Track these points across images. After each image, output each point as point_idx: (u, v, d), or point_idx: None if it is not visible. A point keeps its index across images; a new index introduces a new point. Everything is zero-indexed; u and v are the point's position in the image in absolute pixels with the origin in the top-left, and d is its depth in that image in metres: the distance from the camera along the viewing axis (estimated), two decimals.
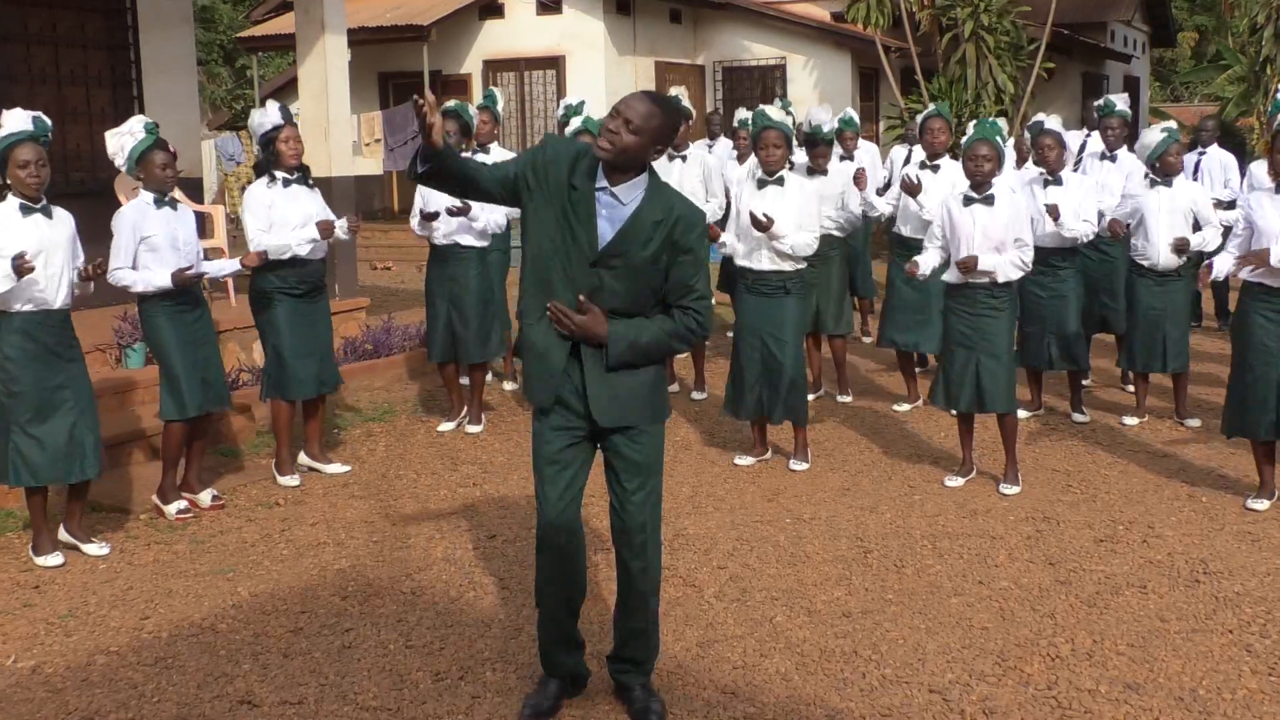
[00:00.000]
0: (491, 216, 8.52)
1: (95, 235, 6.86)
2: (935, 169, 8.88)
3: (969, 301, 7.18)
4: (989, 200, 7.10)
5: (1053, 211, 8.18)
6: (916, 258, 7.35)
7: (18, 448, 6.14)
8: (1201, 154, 12.39)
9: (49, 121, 6.24)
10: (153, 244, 6.71)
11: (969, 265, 7.00)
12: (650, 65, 21.52)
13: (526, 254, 4.37)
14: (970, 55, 18.56)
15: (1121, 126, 9.64)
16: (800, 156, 9.29)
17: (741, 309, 7.71)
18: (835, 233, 9.17)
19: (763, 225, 7.30)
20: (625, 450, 4.45)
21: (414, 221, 8.66)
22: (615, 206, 4.30)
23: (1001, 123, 7.30)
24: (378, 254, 18.65)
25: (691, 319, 4.42)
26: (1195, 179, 12.10)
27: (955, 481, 7.43)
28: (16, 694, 4.87)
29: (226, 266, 7.44)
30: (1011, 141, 11.16)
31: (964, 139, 7.32)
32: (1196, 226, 8.38)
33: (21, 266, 5.84)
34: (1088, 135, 11.55)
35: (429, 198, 8.56)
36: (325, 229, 7.45)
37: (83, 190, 10.25)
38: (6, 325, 6.10)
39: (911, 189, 8.65)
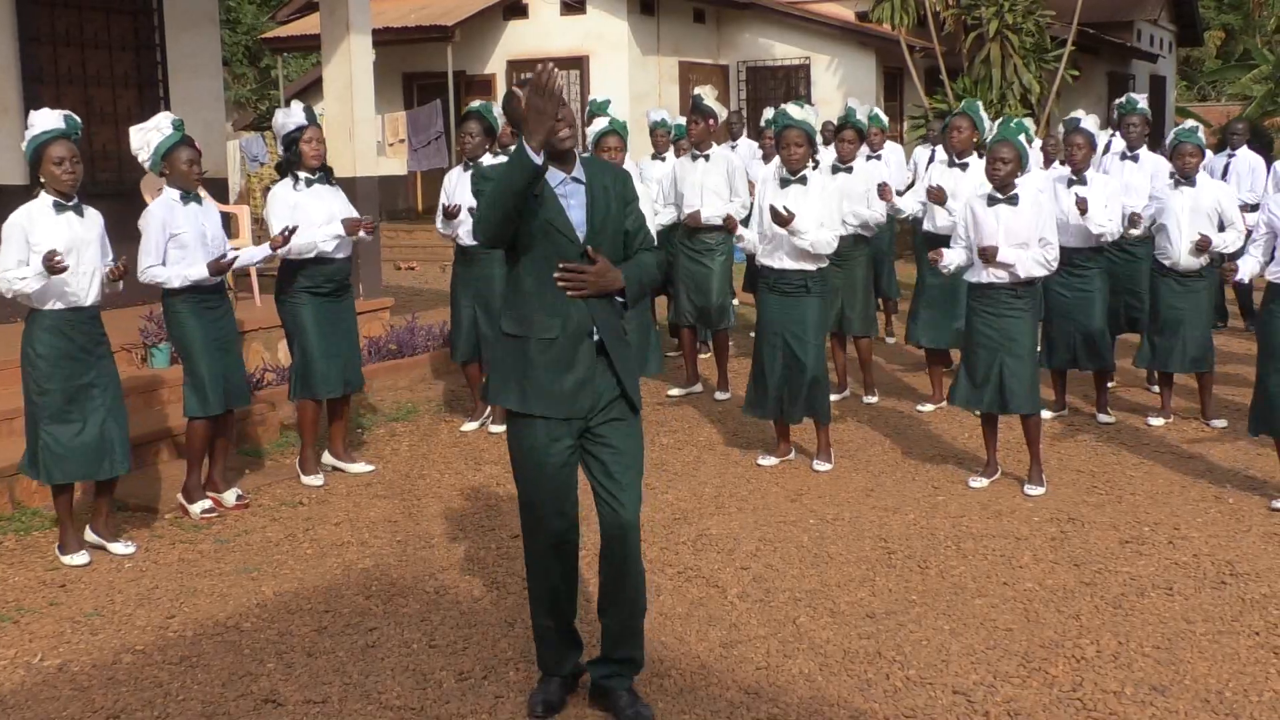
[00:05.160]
0: None
1: (122, 235, 6.91)
2: (964, 167, 8.86)
3: (992, 302, 7.15)
4: (1013, 200, 7.08)
5: (1081, 205, 8.15)
6: (942, 248, 7.37)
7: (47, 445, 6.18)
8: (1231, 156, 12.33)
9: (78, 119, 6.28)
10: (182, 240, 6.74)
11: (989, 255, 6.98)
12: (674, 65, 21.52)
13: (525, 277, 4.36)
14: (995, 55, 18.48)
15: (1143, 124, 9.62)
16: (825, 156, 9.27)
17: (763, 308, 7.69)
18: (861, 232, 9.17)
19: (783, 219, 7.30)
20: (619, 440, 4.44)
21: (438, 221, 8.69)
22: (577, 190, 4.38)
23: (1028, 123, 7.27)
24: (402, 254, 18.71)
25: (658, 253, 4.65)
26: (1225, 180, 12.06)
27: (979, 482, 7.41)
28: (43, 692, 4.90)
29: (256, 254, 7.40)
30: (1038, 144, 11.10)
31: (988, 138, 7.31)
32: (1221, 227, 8.36)
33: (53, 265, 5.88)
34: (1112, 135, 11.50)
35: (452, 193, 8.59)
36: (352, 226, 7.46)
37: (110, 191, 10.30)
38: (38, 323, 6.15)
39: (939, 198, 8.64)
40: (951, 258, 7.28)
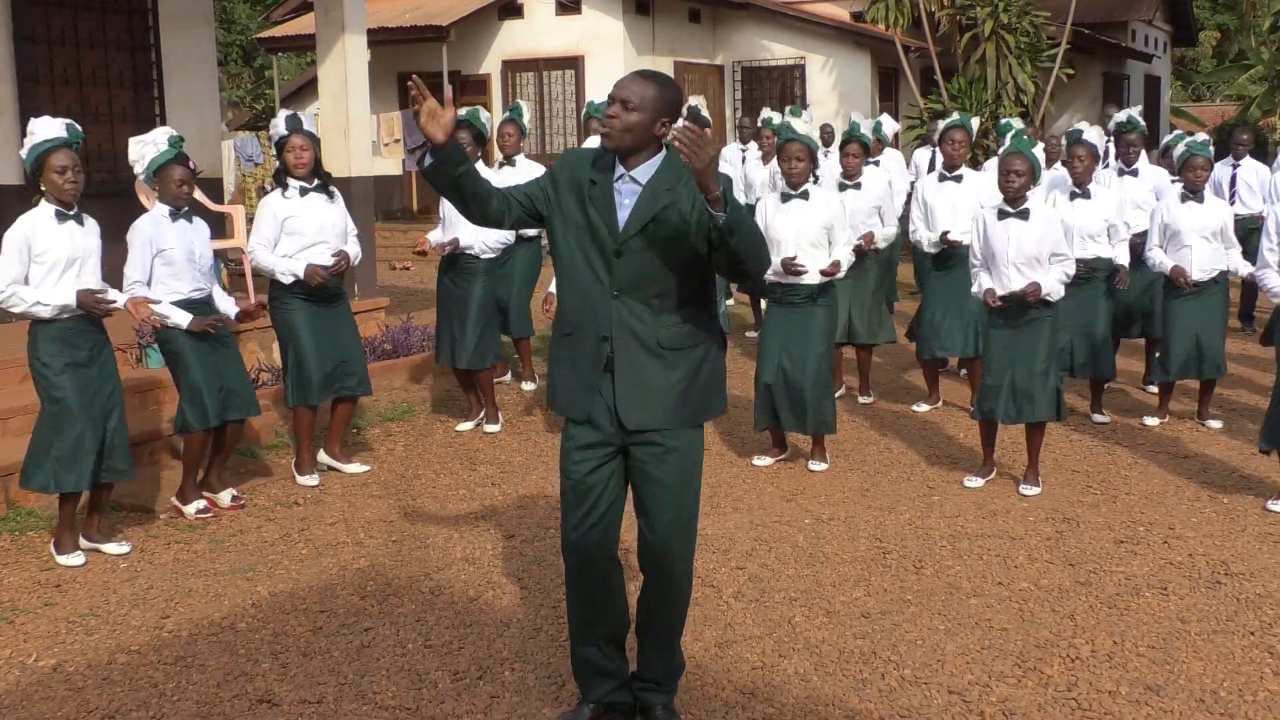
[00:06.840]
0: (484, 240, 8.53)
1: (116, 236, 6.89)
2: (958, 179, 8.85)
3: (1009, 312, 7.12)
4: (1024, 215, 7.05)
5: (1033, 291, 7.93)
6: (990, 287, 7.08)
7: (61, 454, 6.16)
8: (1236, 166, 12.30)
9: (80, 128, 6.26)
10: (168, 258, 6.71)
11: (1031, 294, 6.94)
12: (669, 65, 21.52)
13: (559, 266, 4.28)
14: (990, 55, 18.50)
15: (1140, 140, 9.64)
16: (828, 169, 9.26)
17: (770, 320, 7.68)
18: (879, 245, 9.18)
19: (797, 271, 7.35)
20: (650, 468, 4.23)
21: (433, 235, 8.76)
22: (635, 191, 4.19)
23: (1018, 123, 7.26)
24: (397, 254, 18.68)
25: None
26: (1233, 191, 12.05)
27: (975, 482, 7.41)
28: (38, 692, 4.89)
29: (227, 307, 7.10)
30: (1040, 146, 11.09)
31: (1000, 150, 7.27)
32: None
33: (96, 304, 6.09)
34: (1107, 142, 11.48)
35: (450, 223, 8.60)
36: (312, 274, 7.33)
37: (104, 191, 10.29)
38: (43, 333, 6.14)
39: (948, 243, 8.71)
40: (985, 283, 7.12)
